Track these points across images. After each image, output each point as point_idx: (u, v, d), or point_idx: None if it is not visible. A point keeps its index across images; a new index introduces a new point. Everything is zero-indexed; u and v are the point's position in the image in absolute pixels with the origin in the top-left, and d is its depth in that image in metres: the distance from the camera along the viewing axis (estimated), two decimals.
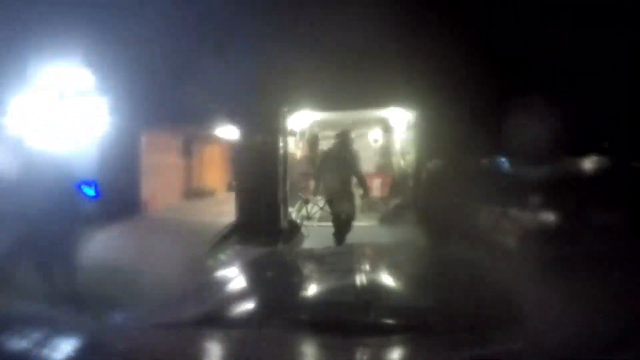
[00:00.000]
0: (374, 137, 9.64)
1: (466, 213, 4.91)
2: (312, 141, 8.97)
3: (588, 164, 4.59)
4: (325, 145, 10.72)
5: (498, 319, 1.34)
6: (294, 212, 6.74)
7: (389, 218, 6.73)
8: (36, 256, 4.00)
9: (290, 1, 5.48)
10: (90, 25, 5.21)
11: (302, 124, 8.49)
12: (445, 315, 1.37)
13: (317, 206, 7.27)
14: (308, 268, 2.23)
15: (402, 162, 7.56)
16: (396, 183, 7.69)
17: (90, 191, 5.37)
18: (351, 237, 5.83)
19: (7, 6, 4.57)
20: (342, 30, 4.98)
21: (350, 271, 1.88)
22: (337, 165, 5.38)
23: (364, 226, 6.18)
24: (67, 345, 1.00)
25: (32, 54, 5.23)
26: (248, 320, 1.37)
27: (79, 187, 5.52)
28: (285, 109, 6.29)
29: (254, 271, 1.99)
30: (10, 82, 5.23)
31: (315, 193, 6.09)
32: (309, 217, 7.01)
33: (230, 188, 9.05)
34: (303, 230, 6.19)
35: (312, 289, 1.77)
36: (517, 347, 1.11)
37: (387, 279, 1.96)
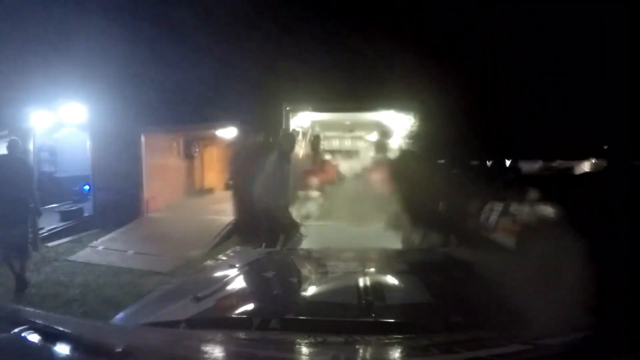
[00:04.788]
0: (372, 137, 9.62)
1: (464, 211, 4.90)
2: (314, 141, 9.02)
3: (587, 164, 4.59)
4: (326, 144, 10.74)
5: (497, 319, 1.34)
6: (293, 212, 6.71)
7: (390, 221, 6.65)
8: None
9: (292, 5, 5.50)
10: (91, 26, 5.21)
11: (304, 124, 8.51)
12: (445, 316, 1.37)
13: (317, 205, 7.24)
14: (307, 268, 2.23)
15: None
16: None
17: (85, 188, 5.52)
18: (351, 240, 5.82)
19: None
20: (343, 36, 5.00)
21: (350, 272, 1.88)
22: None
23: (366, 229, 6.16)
24: (63, 345, 1.00)
25: (32, 58, 5.26)
26: (247, 320, 1.36)
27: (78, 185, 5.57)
28: (287, 109, 6.30)
29: (254, 271, 1.98)
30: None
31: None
32: (308, 217, 6.98)
33: (228, 187, 9.06)
34: (302, 229, 6.16)
35: (311, 290, 1.77)
36: (516, 348, 1.10)
37: (388, 280, 1.95)
